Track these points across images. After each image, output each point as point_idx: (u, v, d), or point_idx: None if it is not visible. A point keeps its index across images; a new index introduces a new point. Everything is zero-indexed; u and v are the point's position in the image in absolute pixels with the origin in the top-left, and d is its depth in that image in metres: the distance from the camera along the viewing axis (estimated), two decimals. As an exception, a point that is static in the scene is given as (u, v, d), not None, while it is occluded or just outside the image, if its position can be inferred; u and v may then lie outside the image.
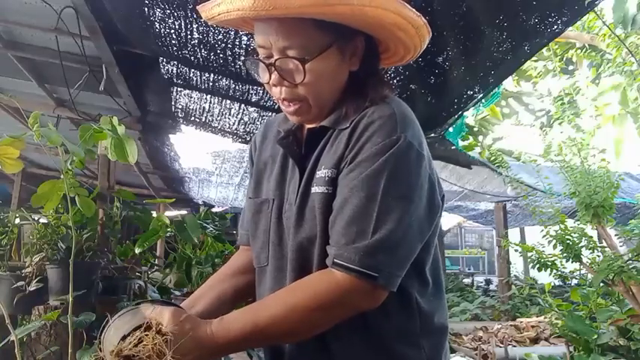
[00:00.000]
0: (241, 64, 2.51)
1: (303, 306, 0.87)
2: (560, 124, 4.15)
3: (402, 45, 0.99)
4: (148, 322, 0.84)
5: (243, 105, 3.47)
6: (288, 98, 0.96)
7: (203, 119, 3.79)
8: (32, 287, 2.41)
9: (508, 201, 8.33)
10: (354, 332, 0.95)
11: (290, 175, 1.04)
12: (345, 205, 0.91)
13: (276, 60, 0.92)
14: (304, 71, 0.92)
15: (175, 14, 2.11)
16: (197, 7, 0.97)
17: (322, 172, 0.96)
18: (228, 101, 3.36)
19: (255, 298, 1.11)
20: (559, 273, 3.53)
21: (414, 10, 0.92)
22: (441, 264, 1.09)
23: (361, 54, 0.98)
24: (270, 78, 0.95)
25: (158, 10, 2.10)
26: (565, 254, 3.41)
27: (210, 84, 3.03)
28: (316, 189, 0.96)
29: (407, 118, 0.95)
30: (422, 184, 0.93)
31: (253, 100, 3.26)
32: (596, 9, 3.65)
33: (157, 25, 2.21)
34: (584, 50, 7.20)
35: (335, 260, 0.89)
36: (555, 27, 2.09)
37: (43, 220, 2.65)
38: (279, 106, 1.04)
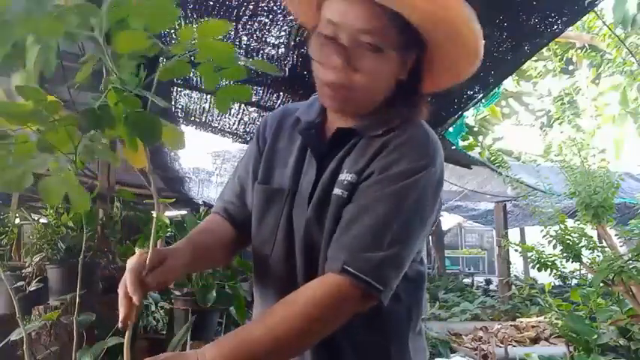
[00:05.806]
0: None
1: (304, 317, 0.84)
2: (560, 124, 4.15)
3: (446, 76, 1.04)
4: None
5: (243, 105, 3.47)
6: (337, 83, 0.91)
7: (203, 119, 3.80)
8: (32, 287, 2.42)
9: (508, 201, 8.34)
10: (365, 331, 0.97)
11: (306, 168, 1.01)
12: (364, 214, 0.89)
13: (348, 43, 0.88)
14: (371, 61, 0.89)
15: (175, 14, 2.10)
16: None
17: (344, 176, 0.95)
18: (228, 101, 3.36)
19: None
20: (559, 273, 3.52)
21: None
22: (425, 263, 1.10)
23: (411, 68, 0.96)
24: (330, 58, 0.89)
25: (158, 10, 2.09)
26: (565, 254, 3.40)
27: (210, 84, 3.02)
28: (336, 191, 0.95)
29: (437, 144, 0.97)
30: (432, 212, 0.96)
31: (253, 100, 3.26)
32: (596, 9, 3.65)
33: (157, 25, 2.21)
34: (584, 50, 7.19)
35: (344, 267, 0.86)
36: (555, 27, 2.09)
37: (43, 220, 2.65)
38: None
